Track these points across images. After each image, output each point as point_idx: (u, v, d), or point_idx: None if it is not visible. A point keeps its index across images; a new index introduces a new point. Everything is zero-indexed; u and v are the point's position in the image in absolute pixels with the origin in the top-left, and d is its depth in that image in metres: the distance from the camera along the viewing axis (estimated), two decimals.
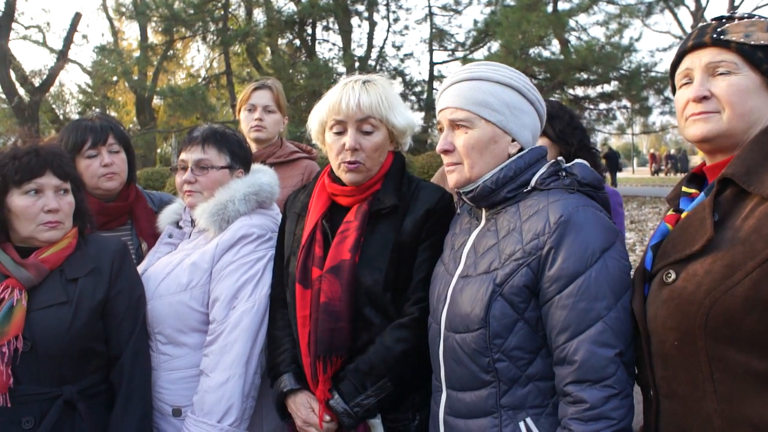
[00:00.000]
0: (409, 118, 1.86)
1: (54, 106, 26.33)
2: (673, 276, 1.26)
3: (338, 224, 1.79)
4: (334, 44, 20.27)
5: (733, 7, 19.73)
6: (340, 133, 1.78)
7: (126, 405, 1.80)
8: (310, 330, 1.72)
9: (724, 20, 1.35)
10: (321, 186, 1.89)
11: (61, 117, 25.02)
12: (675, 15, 21.24)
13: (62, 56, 23.64)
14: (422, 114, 19.52)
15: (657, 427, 1.31)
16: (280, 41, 19.38)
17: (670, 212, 1.41)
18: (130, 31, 26.66)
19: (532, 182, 1.54)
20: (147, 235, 2.31)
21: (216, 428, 1.79)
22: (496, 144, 1.56)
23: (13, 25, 23.66)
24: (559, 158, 1.63)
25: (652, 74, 17.41)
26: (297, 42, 19.87)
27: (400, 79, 19.74)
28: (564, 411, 1.37)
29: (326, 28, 20.01)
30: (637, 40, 18.00)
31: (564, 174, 1.56)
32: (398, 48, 25.30)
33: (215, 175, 2.03)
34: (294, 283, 1.79)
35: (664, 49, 18.38)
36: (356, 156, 1.76)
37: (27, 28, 25.46)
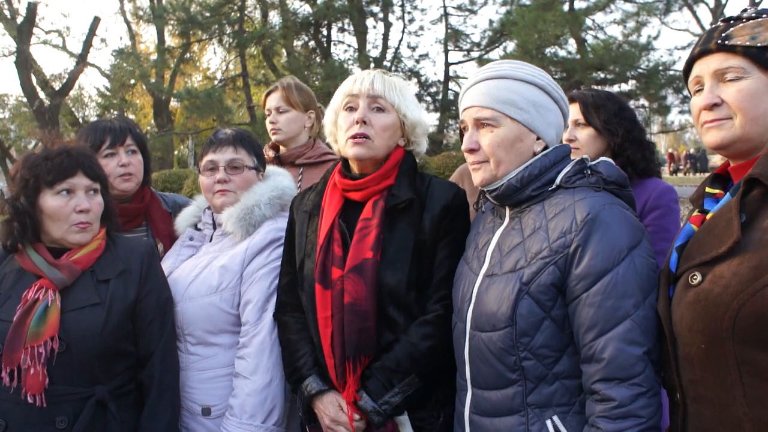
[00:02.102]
0: (422, 115, 1.87)
1: (73, 109, 26.69)
2: (699, 278, 1.25)
3: (354, 222, 1.78)
4: (349, 45, 20.33)
5: (753, 3, 19.40)
6: (351, 111, 1.80)
7: (157, 405, 1.83)
8: (333, 331, 1.71)
9: (731, 22, 1.32)
10: (332, 184, 1.87)
11: (80, 120, 25.36)
12: (694, 12, 20.97)
13: (81, 60, 23.96)
14: (438, 115, 19.51)
15: (684, 430, 1.30)
16: (295, 43, 19.46)
17: (695, 213, 1.40)
18: (148, 35, 26.98)
19: (558, 180, 1.54)
20: (163, 236, 2.33)
21: (261, 428, 1.84)
22: (522, 142, 1.56)
23: (34, 30, 24.06)
24: (584, 156, 1.62)
25: (671, 73, 17.22)
26: (312, 43, 19.94)
27: (415, 79, 19.74)
28: (591, 409, 1.37)
29: (341, 30, 20.06)
30: (655, 38, 17.77)
31: (589, 172, 1.55)
32: (413, 49, 25.24)
33: (247, 174, 2.07)
34: (312, 285, 1.77)
35: (683, 48, 18.12)
36: (364, 129, 1.76)
37: (47, 32, 25.87)
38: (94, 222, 1.85)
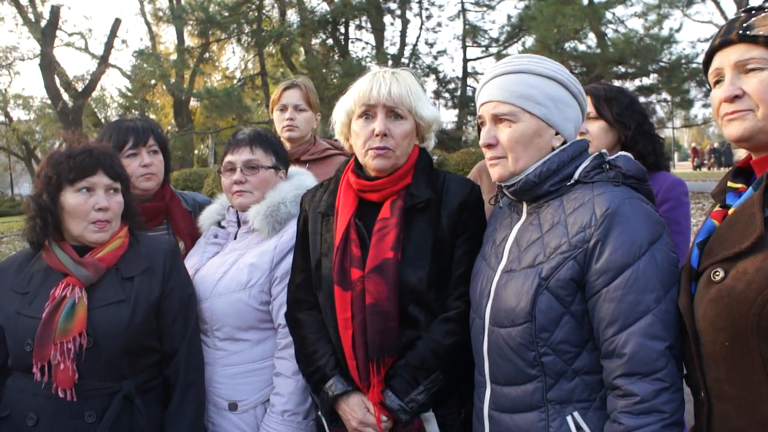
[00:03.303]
0: (434, 111, 1.86)
1: (96, 110, 27.13)
2: (722, 274, 1.23)
3: (371, 222, 1.76)
4: (367, 43, 20.32)
5: None
6: (368, 120, 1.78)
7: (182, 400, 1.86)
8: (354, 332, 1.69)
9: (753, 12, 1.30)
10: (346, 183, 1.85)
11: (102, 120, 25.78)
12: (717, 3, 20.64)
13: (103, 61, 24.36)
14: (456, 111, 19.41)
15: (709, 430, 1.28)
16: (313, 41, 19.51)
17: (717, 208, 1.37)
18: (168, 35, 27.32)
19: (576, 175, 1.53)
20: (183, 234, 2.36)
21: (302, 424, 1.91)
22: (541, 137, 1.55)
23: (57, 32, 24.50)
24: (603, 151, 1.61)
25: (694, 66, 16.91)
26: (330, 41, 19.97)
27: (433, 76, 19.67)
28: (613, 405, 1.36)
29: (359, 27, 20.05)
30: (677, 31, 17.39)
31: (608, 166, 1.53)
32: (431, 45, 25.19)
33: (264, 174, 2.09)
34: (331, 285, 1.75)
35: (706, 40, 17.73)
36: (385, 142, 1.75)
37: (70, 35, 26.41)
38: (113, 220, 1.87)
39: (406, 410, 1.67)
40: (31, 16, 23.91)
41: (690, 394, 1.36)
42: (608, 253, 1.37)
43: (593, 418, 1.42)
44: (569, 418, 1.42)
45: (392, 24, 20.11)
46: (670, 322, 1.33)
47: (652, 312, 1.32)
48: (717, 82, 1.34)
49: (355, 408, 1.73)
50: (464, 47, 19.93)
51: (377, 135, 1.75)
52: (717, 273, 1.24)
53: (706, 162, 35.90)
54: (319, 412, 1.84)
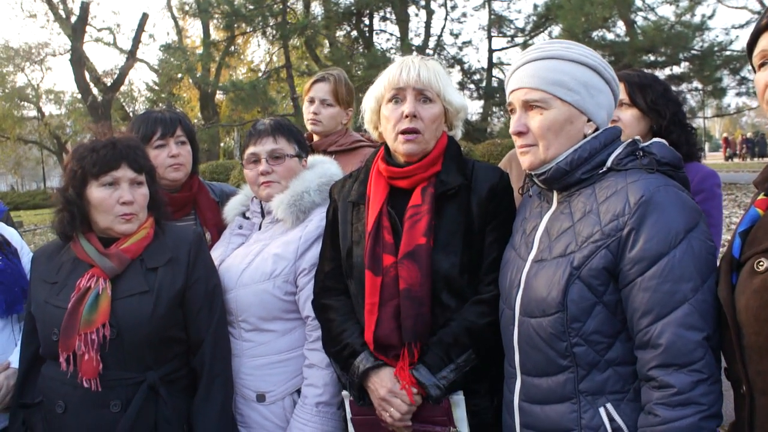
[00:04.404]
0: (462, 98, 1.86)
1: (124, 103, 27.61)
2: (766, 264, 1.19)
3: (401, 210, 1.77)
4: (391, 34, 20.26)
5: None
6: (398, 103, 1.78)
7: (208, 390, 1.86)
8: (379, 317, 1.70)
9: None
10: (377, 172, 1.86)
11: (131, 114, 26.21)
12: None
13: (131, 56, 24.74)
14: (481, 102, 19.24)
15: (751, 424, 1.24)
16: (338, 33, 19.54)
17: (761, 196, 1.33)
18: (194, 29, 27.58)
19: (608, 163, 1.50)
20: (211, 225, 2.37)
21: (336, 415, 1.92)
22: (572, 125, 1.52)
23: (87, 28, 24.95)
24: (636, 138, 1.57)
25: (727, 53, 16.46)
26: (354, 33, 19.97)
27: (458, 67, 19.51)
28: (648, 396, 1.33)
29: (383, 18, 20.00)
30: (710, 17, 16.77)
31: (641, 154, 1.50)
32: (456, 36, 25.06)
33: (290, 163, 2.08)
34: (362, 273, 1.76)
35: (741, 26, 17.21)
36: (415, 123, 1.75)
37: (99, 30, 26.82)
38: (139, 212, 1.88)
39: (438, 386, 1.66)
40: (62, 12, 24.40)
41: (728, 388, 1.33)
42: (643, 241, 1.34)
43: (626, 409, 1.39)
44: (602, 410, 1.40)
45: (417, 15, 19.96)
46: (707, 312, 1.29)
47: (688, 302, 1.29)
48: (762, 65, 1.29)
49: (385, 379, 1.73)
50: (489, 37, 19.75)
51: (406, 116, 1.75)
52: (761, 263, 1.20)
53: (738, 152, 35.00)
54: (344, 392, 1.85)
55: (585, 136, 1.53)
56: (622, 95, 2.25)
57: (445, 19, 19.82)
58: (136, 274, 1.83)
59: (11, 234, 2.19)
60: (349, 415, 1.86)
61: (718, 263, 1.36)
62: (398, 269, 1.69)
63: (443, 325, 1.71)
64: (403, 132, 1.76)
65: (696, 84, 17.50)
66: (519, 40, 19.61)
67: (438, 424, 1.71)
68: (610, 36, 17.15)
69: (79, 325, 1.72)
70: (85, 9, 24.08)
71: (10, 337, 2.00)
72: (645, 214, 1.35)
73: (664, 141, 1.56)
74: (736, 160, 33.90)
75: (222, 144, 26.21)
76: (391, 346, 1.71)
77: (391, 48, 19.47)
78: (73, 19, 24.16)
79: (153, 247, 1.88)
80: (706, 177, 2.21)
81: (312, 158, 2.22)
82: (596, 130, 1.55)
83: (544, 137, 1.52)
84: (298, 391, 1.96)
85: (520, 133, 1.56)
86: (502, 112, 19.17)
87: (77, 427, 1.75)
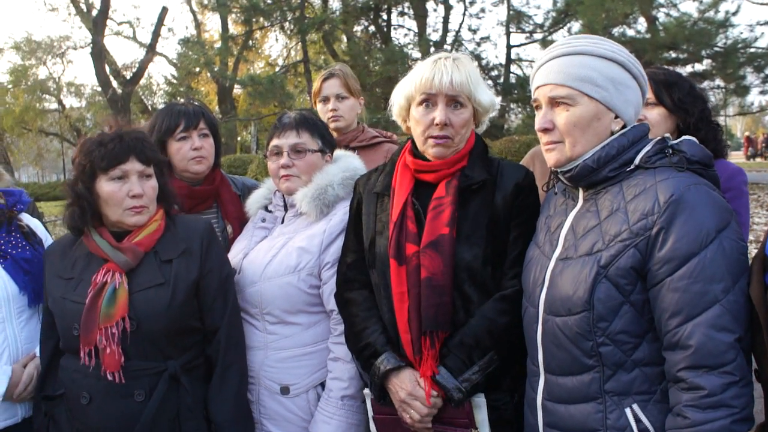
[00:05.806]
0: (491, 96, 1.85)
1: (143, 97, 27.87)
2: None
3: (426, 202, 1.78)
4: (409, 29, 20.17)
5: None
6: (429, 108, 1.77)
7: (223, 377, 1.88)
8: (410, 306, 1.71)
9: None
10: (403, 164, 1.87)
11: (149, 107, 26.46)
12: None
13: (150, 49, 24.94)
14: (499, 99, 19.09)
15: None
16: (355, 28, 19.49)
17: None
18: (212, 23, 27.72)
19: (636, 160, 1.47)
20: (232, 218, 2.37)
21: (360, 408, 1.93)
22: (599, 121, 1.50)
23: (107, 21, 25.22)
24: (666, 135, 1.55)
25: (752, 50, 16.16)
26: (372, 28, 19.91)
27: (476, 63, 19.34)
28: (677, 398, 1.32)
29: (401, 14, 19.92)
30: (734, 13, 16.43)
31: (671, 151, 1.47)
32: (474, 31, 24.91)
33: (311, 158, 2.08)
34: (385, 262, 1.77)
35: (766, 23, 16.92)
36: (445, 131, 1.75)
37: (119, 24, 27.12)
38: (149, 205, 1.89)
39: (461, 389, 1.66)
40: (83, 5, 24.66)
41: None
42: (672, 241, 1.32)
43: (653, 410, 1.38)
44: (628, 411, 1.39)
45: (435, 10, 19.86)
46: (739, 313, 1.27)
47: (720, 303, 1.27)
48: None
49: (405, 381, 1.73)
50: (508, 33, 19.58)
51: (437, 125, 1.75)
52: None
53: (761, 152, 34.39)
54: (366, 390, 1.85)
55: (612, 133, 1.51)
56: (648, 94, 2.21)
57: (464, 14, 19.68)
58: (151, 267, 1.84)
59: (36, 225, 2.21)
60: (371, 413, 1.86)
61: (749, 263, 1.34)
62: (420, 258, 1.70)
63: (464, 319, 1.71)
64: (434, 137, 1.76)
65: (718, 82, 17.22)
66: (538, 36, 19.42)
67: (459, 426, 1.71)
68: (630, 32, 16.91)
69: (99, 320, 1.74)
70: (105, 3, 24.32)
71: (37, 326, 2.03)
72: (675, 213, 1.33)
73: (693, 138, 1.53)
74: (758, 159, 33.32)
75: (239, 138, 26.34)
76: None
77: (409, 43, 19.40)
78: (94, 12, 24.40)
79: (165, 239, 1.89)
80: (734, 174, 2.17)
81: (336, 153, 2.22)
82: (623, 127, 1.52)
83: (570, 134, 1.50)
84: (322, 384, 1.97)
85: (545, 130, 1.54)
86: (519, 109, 19.04)
87: (102, 417, 1.77)
